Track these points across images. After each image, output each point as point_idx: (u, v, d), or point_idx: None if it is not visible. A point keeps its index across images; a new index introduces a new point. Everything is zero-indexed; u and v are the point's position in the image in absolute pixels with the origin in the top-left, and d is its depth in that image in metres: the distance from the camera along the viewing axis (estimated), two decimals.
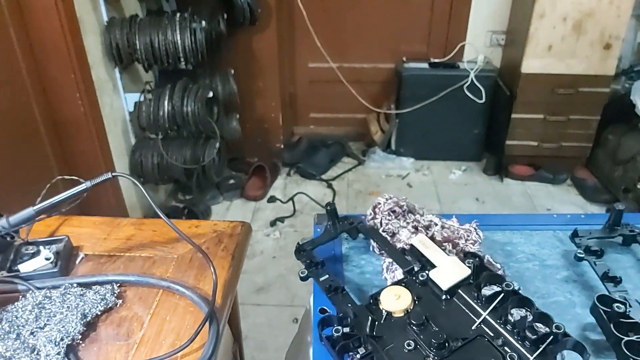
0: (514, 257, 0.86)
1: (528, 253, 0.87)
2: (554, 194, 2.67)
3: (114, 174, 0.72)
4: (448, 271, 0.69)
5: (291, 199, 2.59)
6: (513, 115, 2.61)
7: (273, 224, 2.42)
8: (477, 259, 0.70)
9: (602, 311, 0.69)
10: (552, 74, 2.45)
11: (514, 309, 0.64)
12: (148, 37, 1.96)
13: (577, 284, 0.81)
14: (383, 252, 0.82)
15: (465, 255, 0.71)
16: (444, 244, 0.81)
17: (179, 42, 1.97)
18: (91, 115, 1.88)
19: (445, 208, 2.57)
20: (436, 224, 0.87)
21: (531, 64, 2.45)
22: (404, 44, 2.90)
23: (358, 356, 0.62)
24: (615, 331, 0.66)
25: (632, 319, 0.68)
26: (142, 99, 2.12)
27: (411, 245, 0.75)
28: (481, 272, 0.69)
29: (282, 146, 2.89)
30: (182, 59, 2.01)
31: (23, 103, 1.70)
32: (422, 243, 0.74)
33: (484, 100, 2.69)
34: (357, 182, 2.80)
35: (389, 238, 0.84)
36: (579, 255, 0.82)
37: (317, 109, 3.11)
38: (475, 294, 0.66)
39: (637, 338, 0.65)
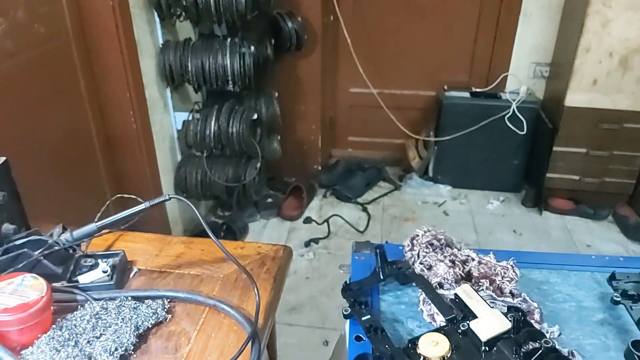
0: (551, 297, 0.87)
1: (565, 293, 0.87)
2: (594, 230, 2.61)
3: (171, 196, 0.78)
4: (489, 323, 0.70)
5: (326, 220, 2.63)
6: (555, 148, 2.59)
7: (307, 244, 2.46)
8: (519, 313, 0.71)
9: (636, 357, 0.70)
10: (597, 109, 2.42)
11: None
12: (199, 60, 2.06)
13: (613, 327, 0.81)
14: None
15: (508, 309, 0.72)
16: (481, 280, 0.83)
17: (228, 65, 2.06)
18: (142, 132, 1.98)
19: (481, 239, 2.55)
20: (473, 259, 0.89)
21: (575, 98, 2.43)
22: (445, 72, 2.92)
23: None
24: None
25: None
26: (190, 118, 2.21)
27: (455, 294, 0.77)
28: (523, 327, 0.70)
29: (320, 168, 2.94)
30: (230, 82, 2.09)
31: (81, 120, 1.81)
32: (465, 293, 0.76)
33: (525, 131, 2.68)
34: (393, 207, 2.81)
35: (425, 271, 0.87)
36: (615, 298, 0.82)
37: (356, 132, 3.16)
38: (514, 349, 0.67)
39: None
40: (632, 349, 0.71)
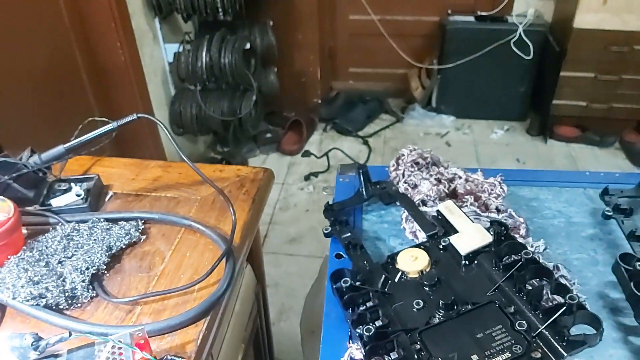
0: (539, 213, 0.84)
1: (554, 210, 0.85)
2: (600, 158, 2.56)
3: (139, 115, 0.74)
4: (469, 237, 0.68)
5: (326, 154, 2.60)
6: (562, 73, 2.49)
7: (307, 178, 2.44)
8: (502, 227, 0.69)
9: (623, 269, 0.68)
10: (606, 30, 2.30)
11: (533, 279, 0.63)
12: None
13: (603, 242, 0.78)
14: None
15: (491, 224, 0.70)
16: (465, 196, 0.80)
17: None
18: (132, 64, 1.92)
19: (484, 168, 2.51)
20: (460, 177, 0.86)
21: (584, 19, 2.31)
22: None
23: (363, 308, 0.63)
24: (635, 290, 0.64)
25: None
26: (181, 49, 2.14)
27: (437, 210, 0.75)
28: (505, 240, 0.67)
29: (320, 101, 2.88)
30: (220, 10, 2.00)
31: (66, 51, 1.75)
32: (447, 209, 0.73)
33: (531, 56, 2.57)
34: (394, 140, 2.77)
35: (410, 190, 0.84)
36: (606, 213, 0.79)
37: (356, 63, 3.06)
38: (494, 262, 0.65)
39: None
40: (620, 262, 0.69)
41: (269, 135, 2.68)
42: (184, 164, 0.86)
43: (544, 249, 0.75)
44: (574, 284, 0.70)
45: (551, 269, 0.71)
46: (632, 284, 0.65)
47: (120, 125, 0.74)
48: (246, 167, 0.86)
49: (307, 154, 2.60)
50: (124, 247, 0.70)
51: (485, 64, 2.65)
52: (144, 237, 0.72)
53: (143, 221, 0.74)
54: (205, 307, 0.60)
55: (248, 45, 2.18)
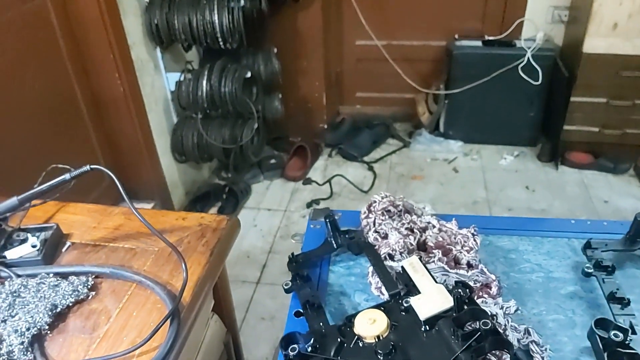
0: (517, 267, 0.79)
1: (534, 263, 0.80)
2: (614, 185, 2.47)
3: (92, 166, 0.72)
4: (431, 300, 0.64)
5: (328, 181, 2.56)
6: (572, 99, 2.42)
7: (309, 205, 2.41)
8: (467, 289, 0.64)
9: (598, 337, 0.62)
10: (617, 55, 2.24)
11: (494, 350, 0.59)
12: (186, 17, 1.97)
13: (583, 301, 0.73)
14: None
15: (455, 284, 0.65)
16: (433, 250, 0.76)
17: (217, 21, 1.97)
18: (130, 93, 1.92)
19: (491, 196, 2.44)
20: (434, 227, 0.82)
21: (594, 44, 2.25)
22: (456, 20, 2.74)
23: None
24: None
25: (632, 349, 0.60)
26: (182, 78, 2.14)
27: (402, 267, 0.71)
28: (467, 304, 0.63)
29: (326, 126, 2.85)
30: (220, 39, 2.01)
31: (64, 84, 1.77)
32: (412, 266, 0.69)
33: (540, 81, 2.51)
34: (400, 165, 2.72)
35: (380, 240, 0.80)
36: (586, 270, 0.74)
37: (363, 88, 3.03)
38: (452, 329, 0.60)
39: None
40: (595, 329, 0.63)
41: (273, 160, 2.67)
42: (148, 211, 0.84)
43: (516, 310, 0.70)
44: (545, 349, 0.65)
45: (522, 332, 0.66)
46: (605, 354, 0.60)
47: (73, 177, 0.72)
48: (210, 216, 0.84)
49: (308, 181, 2.57)
50: (70, 304, 0.67)
51: (494, 88, 2.60)
52: (93, 293, 0.70)
53: (94, 276, 0.72)
54: None
55: (249, 74, 2.18)
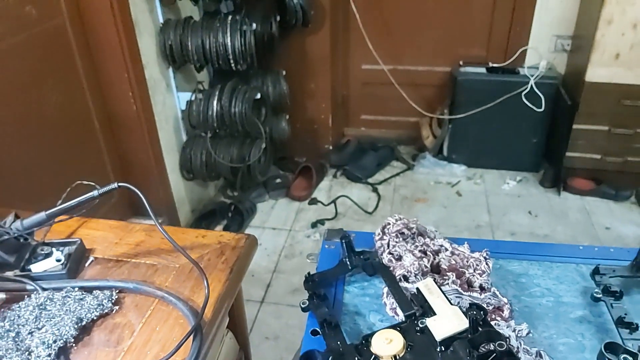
0: (528, 291, 0.81)
1: (544, 287, 0.82)
2: (615, 212, 2.49)
3: (119, 184, 0.75)
4: (446, 321, 0.66)
5: (333, 201, 2.59)
6: (574, 126, 2.46)
7: (314, 225, 2.43)
8: (481, 312, 0.66)
9: None
10: (619, 84, 2.29)
11: None
12: (199, 39, 2.02)
13: (592, 325, 0.75)
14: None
15: (469, 307, 0.68)
16: (447, 273, 0.78)
17: (229, 44, 2.01)
18: (143, 112, 1.96)
19: (494, 220, 2.47)
20: (446, 250, 0.84)
21: (596, 73, 2.30)
22: (461, 47, 2.80)
23: None
24: None
25: None
26: (193, 98, 2.18)
27: (417, 288, 0.73)
28: (482, 326, 0.65)
29: (331, 147, 2.89)
30: (232, 61, 2.05)
31: (80, 100, 1.81)
32: (427, 288, 0.71)
33: (543, 108, 2.55)
34: (404, 188, 2.75)
35: (394, 261, 0.82)
36: (595, 295, 0.76)
37: (368, 111, 3.08)
38: (468, 350, 0.62)
39: None
40: (605, 352, 0.65)
41: (278, 180, 2.70)
42: (168, 228, 0.86)
43: (527, 333, 0.72)
44: None
45: (534, 354, 0.68)
46: None
47: (101, 194, 0.75)
48: (229, 234, 0.86)
49: (313, 201, 2.60)
50: (95, 318, 0.69)
51: (497, 114, 2.65)
52: (117, 307, 0.72)
53: (118, 290, 0.74)
54: None
55: (259, 95, 2.22)
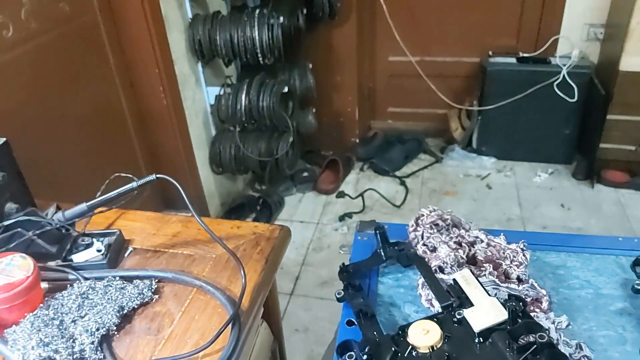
0: (566, 283, 0.80)
1: (582, 279, 0.80)
2: None
3: (158, 176, 0.76)
4: (484, 313, 0.65)
5: (361, 194, 2.58)
6: (608, 117, 2.40)
7: (342, 219, 2.43)
8: (520, 303, 0.65)
9: None
10: None
11: None
12: (228, 34, 2.03)
13: (632, 317, 0.73)
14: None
15: (508, 298, 0.67)
16: (484, 264, 0.77)
17: (257, 38, 2.02)
18: (173, 107, 1.99)
19: (525, 213, 2.43)
20: (482, 241, 0.83)
21: (631, 62, 2.23)
22: (491, 37, 2.75)
23: None
24: None
25: None
26: (222, 92, 2.20)
27: (454, 279, 0.72)
28: (522, 317, 0.64)
29: (358, 140, 2.88)
30: (259, 54, 2.06)
31: (112, 96, 1.85)
32: (464, 279, 0.71)
33: (576, 99, 2.49)
34: (433, 181, 2.72)
35: (429, 253, 0.82)
36: (636, 287, 0.74)
37: (396, 103, 3.06)
38: (507, 342, 0.61)
39: None
40: None
41: (305, 174, 2.70)
42: (204, 219, 0.87)
43: (567, 325, 0.71)
44: None
45: (574, 347, 0.67)
46: None
47: (140, 185, 0.76)
48: (263, 225, 0.87)
49: (341, 194, 2.60)
50: (136, 307, 0.71)
51: (528, 105, 2.60)
52: (157, 296, 0.73)
53: (157, 280, 0.75)
54: None
55: (286, 89, 2.23)
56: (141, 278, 0.75)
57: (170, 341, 0.67)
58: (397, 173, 2.77)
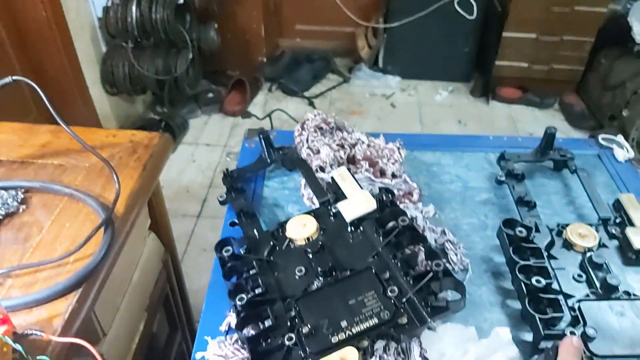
0: (438, 178, 0.85)
1: (453, 174, 0.86)
2: (540, 119, 2.61)
3: (14, 78, 0.70)
4: (356, 204, 0.68)
5: (268, 115, 2.56)
6: (504, 34, 2.50)
7: None
8: (389, 194, 0.69)
9: (505, 234, 0.69)
10: None
11: (410, 245, 0.64)
12: None
13: (495, 206, 0.80)
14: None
15: (379, 191, 0.70)
16: (361, 162, 0.80)
17: None
18: (54, 19, 1.81)
19: (426, 130, 2.53)
20: (363, 142, 0.86)
21: None
22: None
23: (244, 276, 0.63)
24: (513, 255, 0.66)
25: (534, 244, 0.67)
26: (110, 4, 2.02)
27: (332, 177, 0.74)
28: (389, 207, 0.68)
29: (265, 60, 2.81)
30: None
31: None
32: (340, 175, 0.73)
33: (475, 16, 2.56)
34: (340, 101, 2.74)
35: (312, 155, 0.83)
36: (499, 178, 0.81)
37: (303, 20, 2.98)
38: (375, 228, 0.65)
39: (533, 263, 0.65)
40: (503, 227, 0.70)
41: (211, 95, 2.61)
42: (76, 129, 0.82)
43: (434, 214, 0.76)
44: (459, 248, 0.71)
45: (439, 233, 0.72)
46: (511, 249, 0.67)
47: None
48: (141, 133, 0.83)
49: (248, 115, 2.56)
50: (0, 217, 0.67)
51: (430, 23, 2.63)
52: (24, 206, 0.69)
53: (23, 190, 0.71)
54: (76, 279, 0.59)
55: (182, 0, 2.09)
56: (6, 189, 0.70)
57: (38, 249, 0.64)
58: (306, 93, 2.75)
